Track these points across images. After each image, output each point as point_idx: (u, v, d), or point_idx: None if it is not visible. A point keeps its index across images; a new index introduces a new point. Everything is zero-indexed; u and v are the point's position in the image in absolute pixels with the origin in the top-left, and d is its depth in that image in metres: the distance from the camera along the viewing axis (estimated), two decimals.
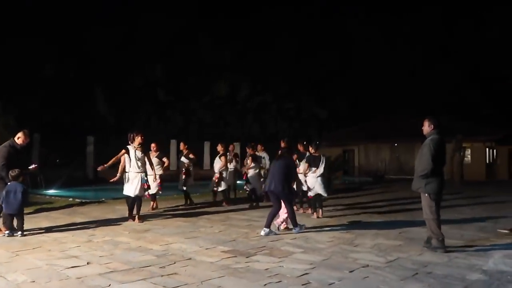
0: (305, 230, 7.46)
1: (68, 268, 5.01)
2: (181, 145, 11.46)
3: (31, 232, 7.18)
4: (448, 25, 35.65)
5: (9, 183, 6.80)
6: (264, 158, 12.21)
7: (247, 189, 11.25)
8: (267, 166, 11.62)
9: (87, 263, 5.25)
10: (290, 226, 7.48)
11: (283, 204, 7.38)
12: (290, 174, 7.42)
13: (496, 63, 33.02)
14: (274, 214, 7.34)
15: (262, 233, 7.10)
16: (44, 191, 14.34)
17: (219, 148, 11.45)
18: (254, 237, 7.00)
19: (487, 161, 24.93)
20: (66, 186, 15.65)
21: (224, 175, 11.35)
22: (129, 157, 8.46)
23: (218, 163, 11.35)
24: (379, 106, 34.95)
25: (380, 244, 6.47)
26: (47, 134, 18.40)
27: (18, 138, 7.23)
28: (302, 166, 9.43)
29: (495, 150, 25.24)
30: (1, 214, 7.02)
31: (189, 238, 6.84)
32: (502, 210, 10.50)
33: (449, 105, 31.98)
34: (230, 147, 12.23)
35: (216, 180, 11.25)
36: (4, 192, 6.71)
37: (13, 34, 22.16)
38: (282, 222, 7.53)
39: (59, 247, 6.07)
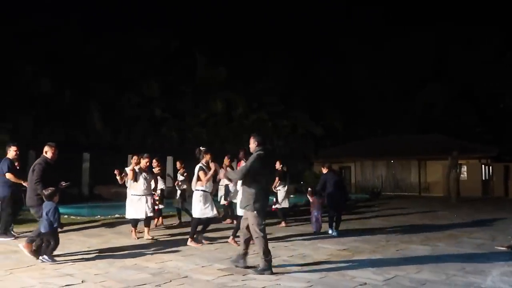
0: (301, 248, 7.42)
1: (62, 286, 4.94)
2: (178, 164, 11.22)
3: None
4: (441, 45, 36.12)
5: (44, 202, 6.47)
6: None
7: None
8: None
9: (82, 281, 5.18)
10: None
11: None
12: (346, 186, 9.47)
13: (488, 82, 33.37)
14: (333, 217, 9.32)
15: (331, 232, 9.17)
16: None
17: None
18: (251, 254, 6.92)
19: (483, 178, 25.01)
20: (60, 203, 15.46)
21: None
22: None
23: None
24: (375, 123, 35.14)
25: (377, 261, 6.42)
26: (42, 151, 18.24)
27: (46, 153, 6.96)
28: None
29: (490, 167, 25.34)
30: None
31: (185, 256, 6.76)
32: (499, 227, 10.48)
33: (443, 123, 32.20)
34: (226, 162, 12.15)
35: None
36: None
37: (8, 51, 22.20)
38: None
39: (53, 265, 5.98)
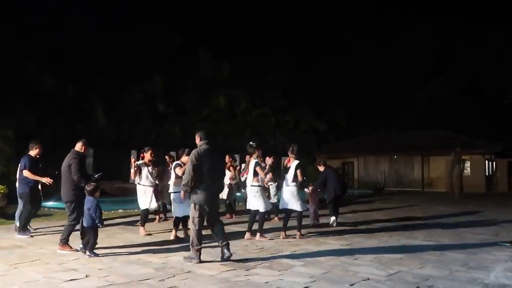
0: (304, 243, 7.45)
1: (67, 281, 4.96)
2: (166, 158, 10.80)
3: (30, 244, 7.14)
4: (444, 40, 36.00)
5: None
6: None
7: None
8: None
9: (86, 276, 5.20)
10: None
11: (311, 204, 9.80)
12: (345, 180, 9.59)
13: (491, 78, 33.26)
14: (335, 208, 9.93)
15: (333, 218, 9.66)
16: (43, 203, 14.21)
17: (227, 160, 11.29)
18: (254, 250, 6.95)
19: (486, 174, 24.95)
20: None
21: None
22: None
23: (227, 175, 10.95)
24: (378, 119, 35.06)
25: (380, 257, 6.43)
26: (46, 146, 18.25)
27: (80, 147, 6.96)
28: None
29: (494, 163, 25.28)
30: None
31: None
32: (502, 223, 10.47)
33: (446, 119, 32.11)
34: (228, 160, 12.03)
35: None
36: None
37: (12, 47, 22.24)
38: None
39: (58, 260, 6.02)
